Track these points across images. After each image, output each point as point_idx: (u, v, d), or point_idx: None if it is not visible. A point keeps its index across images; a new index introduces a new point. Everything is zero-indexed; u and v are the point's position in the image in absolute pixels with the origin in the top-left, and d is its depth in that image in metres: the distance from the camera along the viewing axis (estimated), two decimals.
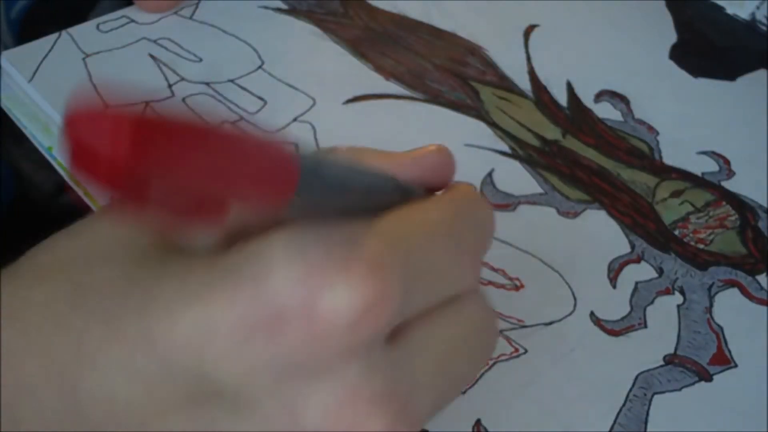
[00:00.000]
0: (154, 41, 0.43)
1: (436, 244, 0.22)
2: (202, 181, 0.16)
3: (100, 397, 0.20)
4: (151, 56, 0.42)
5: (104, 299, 0.20)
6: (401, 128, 0.40)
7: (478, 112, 0.42)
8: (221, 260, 0.20)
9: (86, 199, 0.36)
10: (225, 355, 0.19)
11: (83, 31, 0.43)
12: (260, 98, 0.40)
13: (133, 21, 0.44)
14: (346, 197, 0.21)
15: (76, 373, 0.20)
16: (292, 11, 0.46)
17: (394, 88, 0.42)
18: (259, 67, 0.42)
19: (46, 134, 0.38)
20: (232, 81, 0.41)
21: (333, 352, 0.19)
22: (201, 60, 0.42)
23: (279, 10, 0.46)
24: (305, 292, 0.19)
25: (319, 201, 0.20)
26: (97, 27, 0.43)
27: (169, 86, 0.40)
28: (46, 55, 0.41)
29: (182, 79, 0.41)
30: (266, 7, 0.46)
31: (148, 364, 0.19)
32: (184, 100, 0.40)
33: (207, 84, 0.41)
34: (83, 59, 0.41)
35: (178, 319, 0.19)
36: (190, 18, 0.44)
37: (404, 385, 0.21)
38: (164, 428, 0.20)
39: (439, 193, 0.26)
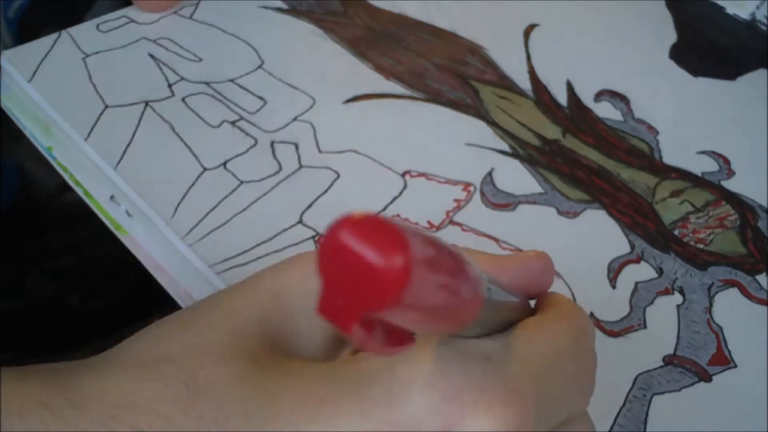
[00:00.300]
0: (154, 41, 0.42)
1: (563, 369, 0.22)
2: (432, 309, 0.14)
3: None
4: (151, 56, 0.42)
5: (217, 403, 0.19)
6: (401, 128, 0.40)
7: (478, 112, 0.42)
8: (349, 370, 0.19)
9: (86, 199, 0.36)
10: None
11: (83, 31, 0.43)
12: (260, 98, 0.40)
13: (132, 21, 0.44)
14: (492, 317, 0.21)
15: None
16: (292, 11, 0.46)
17: (394, 87, 0.42)
18: (259, 66, 0.42)
19: (45, 134, 0.38)
20: (231, 81, 0.41)
21: None
22: (201, 60, 0.42)
23: (279, 9, 0.46)
24: (445, 420, 0.18)
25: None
26: (97, 27, 0.43)
27: (169, 86, 0.40)
28: (46, 55, 0.41)
29: (182, 78, 0.41)
30: (266, 7, 0.46)
31: None
32: (183, 99, 0.40)
33: (207, 83, 0.41)
34: (83, 59, 0.41)
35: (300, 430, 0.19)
36: (190, 18, 0.44)
37: None
38: None
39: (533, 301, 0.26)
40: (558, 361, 0.22)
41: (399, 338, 0.15)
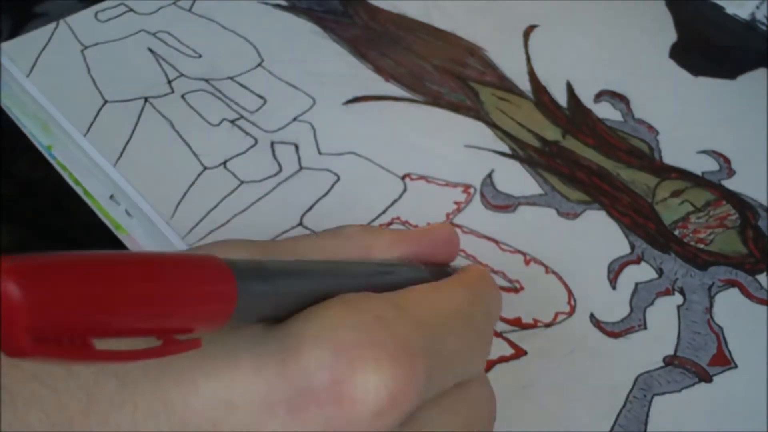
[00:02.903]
0: (153, 34, 0.42)
1: (456, 331, 0.22)
2: (113, 317, 0.14)
3: None
4: (150, 50, 0.41)
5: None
6: (401, 130, 0.40)
7: (478, 113, 0.42)
8: (247, 332, 0.20)
9: (86, 199, 0.36)
10: (242, 427, 0.19)
11: (81, 20, 0.42)
12: (260, 96, 0.40)
13: (131, 10, 0.44)
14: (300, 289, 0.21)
15: (83, 429, 0.19)
16: (291, 8, 0.46)
17: (393, 89, 0.42)
18: (259, 64, 0.42)
19: (45, 133, 0.38)
20: (231, 78, 0.41)
21: None
22: (200, 56, 0.42)
23: (278, 6, 0.46)
24: (334, 374, 0.19)
25: (279, 305, 0.20)
26: (95, 16, 0.43)
27: (169, 82, 0.40)
28: (44, 47, 0.41)
29: (181, 74, 0.41)
30: (266, 3, 0.46)
31: (158, 430, 0.19)
32: (183, 96, 0.39)
33: (206, 80, 0.40)
34: (81, 51, 0.41)
35: (198, 387, 0.19)
36: (189, 11, 0.44)
37: None
38: None
39: (453, 267, 0.27)
40: (450, 322, 0.22)
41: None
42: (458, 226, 0.36)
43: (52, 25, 0.42)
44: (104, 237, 0.34)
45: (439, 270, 0.26)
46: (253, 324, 0.20)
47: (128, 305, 0.14)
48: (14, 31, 0.42)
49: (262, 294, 0.18)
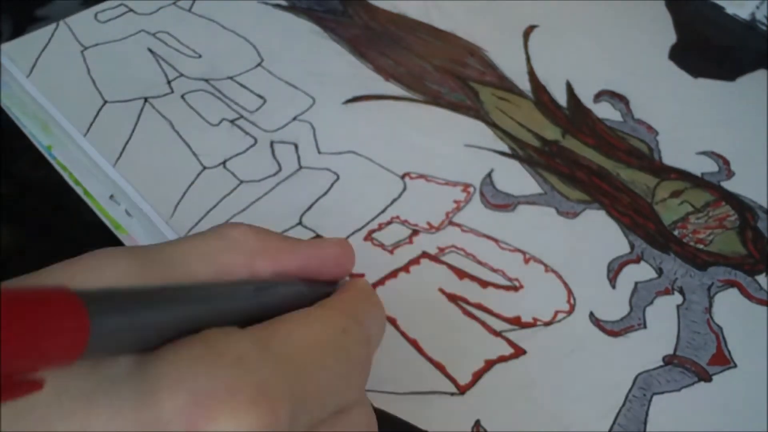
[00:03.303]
0: (153, 34, 0.42)
1: (327, 364, 0.21)
2: None
3: None
4: (150, 50, 0.41)
5: None
6: (401, 129, 0.40)
7: (478, 113, 0.42)
8: (107, 369, 0.19)
9: (86, 199, 0.36)
10: None
11: (81, 21, 0.42)
12: (260, 96, 0.40)
13: (131, 10, 0.44)
14: (179, 315, 0.20)
15: None
16: (291, 8, 0.46)
17: (393, 89, 0.42)
18: (259, 64, 0.42)
19: (45, 133, 0.38)
20: (231, 78, 0.41)
21: None
22: (200, 56, 0.42)
23: (278, 6, 0.46)
24: (190, 423, 0.18)
25: (132, 332, 0.18)
26: (95, 16, 0.43)
27: (168, 82, 0.40)
28: (44, 48, 0.41)
29: (181, 74, 0.41)
30: (265, 3, 0.46)
31: None
32: (183, 96, 0.39)
33: (206, 80, 0.40)
34: (81, 52, 0.41)
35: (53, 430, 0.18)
36: (189, 11, 0.44)
37: None
38: None
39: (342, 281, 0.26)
40: (321, 355, 0.21)
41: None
42: (458, 225, 0.36)
43: (52, 25, 0.42)
44: (104, 237, 0.34)
45: (321, 288, 0.25)
46: (114, 357, 0.19)
47: None
48: (15, 34, 0.42)
49: (119, 328, 0.17)
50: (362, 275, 0.33)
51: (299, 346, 0.21)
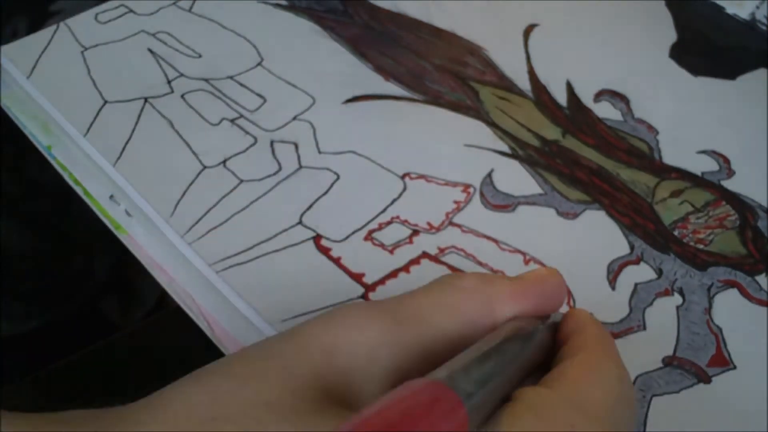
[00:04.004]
0: (153, 35, 0.42)
1: (624, 418, 0.22)
2: None
3: None
4: (150, 50, 0.41)
5: None
6: (401, 129, 0.40)
7: (478, 113, 0.42)
8: None
9: (86, 199, 0.36)
10: None
11: (81, 22, 0.42)
12: (260, 95, 0.40)
13: (131, 11, 0.44)
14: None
15: None
16: (291, 8, 0.46)
17: (393, 89, 0.42)
18: (259, 63, 0.42)
19: (45, 133, 0.38)
20: (231, 78, 0.41)
21: None
22: (200, 56, 0.42)
23: (278, 5, 0.46)
24: None
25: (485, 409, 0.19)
26: (95, 17, 0.43)
27: (168, 82, 0.40)
28: (45, 49, 0.41)
29: (181, 74, 0.41)
30: (265, 2, 0.46)
31: None
32: (183, 96, 0.39)
33: (206, 80, 0.40)
34: (81, 53, 0.41)
35: None
36: (189, 11, 0.44)
37: None
38: None
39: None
40: (619, 411, 0.22)
41: None
42: (458, 225, 0.36)
43: (53, 27, 0.42)
44: (104, 237, 0.34)
45: (550, 324, 0.25)
46: None
47: None
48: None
49: (479, 406, 0.18)
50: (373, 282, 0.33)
51: (603, 403, 0.21)
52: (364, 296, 0.33)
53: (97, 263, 0.34)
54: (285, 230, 0.35)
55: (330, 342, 0.22)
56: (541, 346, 0.24)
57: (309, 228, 0.35)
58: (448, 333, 0.23)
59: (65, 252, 0.34)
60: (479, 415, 0.19)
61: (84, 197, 0.36)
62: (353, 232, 0.35)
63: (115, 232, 0.35)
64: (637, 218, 0.38)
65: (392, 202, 0.36)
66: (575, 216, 0.37)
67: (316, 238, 0.34)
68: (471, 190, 0.38)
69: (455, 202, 0.37)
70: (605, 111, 0.43)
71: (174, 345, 0.37)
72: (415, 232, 0.35)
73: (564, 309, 0.27)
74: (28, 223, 0.35)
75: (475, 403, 0.18)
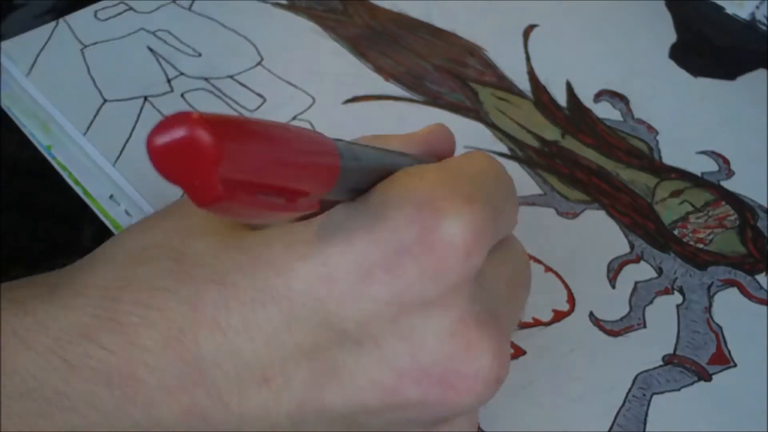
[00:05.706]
0: (153, 33, 0.42)
1: (495, 187, 0.24)
2: (273, 173, 0.16)
3: (223, 356, 0.20)
4: (150, 49, 0.41)
5: (210, 267, 0.21)
6: (401, 130, 0.40)
7: (477, 114, 0.42)
8: (331, 216, 0.21)
9: (86, 199, 0.36)
10: (346, 296, 0.20)
11: (81, 19, 0.42)
12: (259, 95, 0.40)
13: (131, 9, 0.44)
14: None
15: (196, 338, 0.20)
16: (291, 7, 0.46)
17: (393, 89, 0.42)
18: (259, 63, 0.42)
19: (44, 133, 0.38)
20: (231, 77, 0.41)
21: (449, 280, 0.20)
22: (200, 55, 0.42)
23: (278, 5, 0.46)
24: (421, 226, 0.20)
25: (359, 179, 0.21)
26: (95, 14, 0.43)
27: (168, 81, 0.40)
28: (44, 46, 0.41)
29: (181, 73, 0.41)
30: (265, 1, 0.46)
31: (270, 319, 0.20)
32: (183, 95, 0.39)
33: (206, 79, 0.40)
34: (81, 50, 0.41)
35: (296, 271, 0.20)
36: (189, 9, 0.44)
37: (493, 309, 0.22)
38: (288, 378, 0.21)
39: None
40: (488, 179, 0.23)
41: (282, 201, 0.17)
42: None
43: (52, 24, 0.42)
44: (104, 237, 0.34)
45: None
46: (333, 207, 0.21)
47: (280, 164, 0.16)
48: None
49: (353, 168, 0.20)
50: None
51: (473, 172, 0.23)
52: None
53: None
54: None
55: None
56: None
57: None
58: None
59: (63, 252, 0.34)
60: (352, 176, 0.20)
61: (84, 197, 0.35)
62: None
63: (116, 233, 0.34)
64: (637, 218, 0.38)
65: None
66: (575, 215, 0.37)
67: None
68: None
69: None
70: (605, 111, 0.43)
71: None
72: None
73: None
74: (25, 223, 0.35)
75: (351, 162, 0.19)
